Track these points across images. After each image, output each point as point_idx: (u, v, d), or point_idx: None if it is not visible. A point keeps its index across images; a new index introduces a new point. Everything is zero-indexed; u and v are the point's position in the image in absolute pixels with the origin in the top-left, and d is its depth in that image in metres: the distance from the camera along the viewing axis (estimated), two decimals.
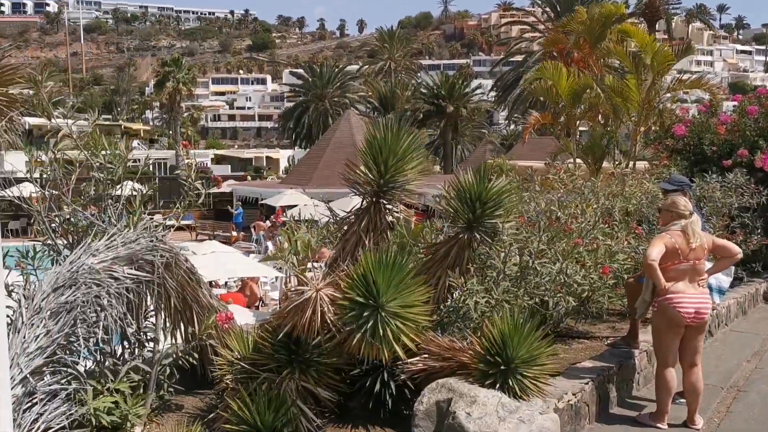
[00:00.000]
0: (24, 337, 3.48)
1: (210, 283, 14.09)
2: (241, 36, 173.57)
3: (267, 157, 73.02)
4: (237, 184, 38.95)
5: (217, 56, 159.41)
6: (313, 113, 59.25)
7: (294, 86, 69.89)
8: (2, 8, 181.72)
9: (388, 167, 5.94)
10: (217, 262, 12.14)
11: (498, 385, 4.65)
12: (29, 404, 3.34)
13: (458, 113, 52.32)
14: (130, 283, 4.06)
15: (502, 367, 4.68)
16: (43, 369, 3.49)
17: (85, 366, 4.30)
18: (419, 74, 78.11)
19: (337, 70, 62.36)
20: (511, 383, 4.65)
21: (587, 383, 5.54)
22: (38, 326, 3.53)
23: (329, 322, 4.42)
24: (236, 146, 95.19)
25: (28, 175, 5.07)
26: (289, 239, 7.22)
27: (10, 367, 3.36)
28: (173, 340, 4.98)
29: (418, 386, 5.06)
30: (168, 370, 4.82)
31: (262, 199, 31.38)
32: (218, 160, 67.38)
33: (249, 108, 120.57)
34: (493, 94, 57.52)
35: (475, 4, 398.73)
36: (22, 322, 3.52)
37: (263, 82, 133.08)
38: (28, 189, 5.17)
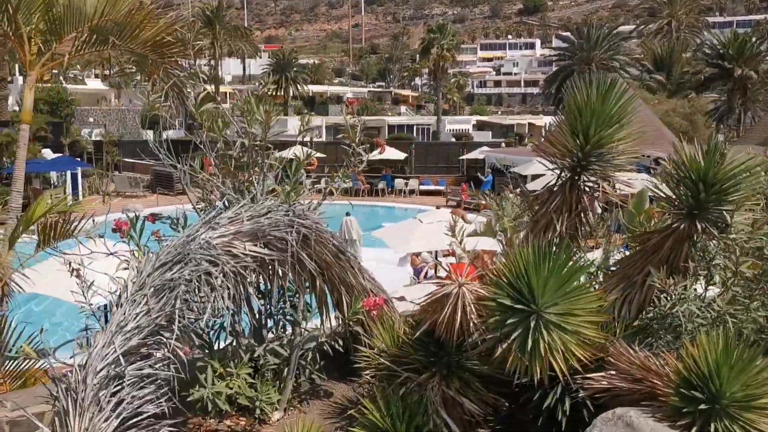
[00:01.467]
0: (124, 314, 3.27)
1: (435, 253, 13.90)
2: (512, 0, 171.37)
3: (529, 124, 71.35)
4: (490, 150, 38.40)
5: (487, 22, 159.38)
6: (578, 78, 56.15)
7: (560, 50, 67.01)
8: None
9: (589, 136, 4.93)
10: (439, 231, 11.78)
11: (695, 429, 3.52)
12: (118, 387, 3.12)
13: (748, 76, 45.87)
14: (251, 262, 3.69)
15: (704, 406, 3.53)
16: (141, 350, 3.26)
17: (215, 345, 4.08)
18: (703, 33, 70.07)
19: (606, 30, 58.22)
20: (714, 429, 3.49)
21: None
22: (140, 303, 3.30)
23: (473, 324, 3.67)
24: (500, 112, 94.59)
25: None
26: (496, 214, 6.55)
27: (105, 345, 3.18)
28: (323, 323, 4.61)
29: (601, 407, 4.10)
30: (310, 355, 4.45)
31: (513, 166, 30.54)
32: (480, 126, 67.37)
33: (515, 74, 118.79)
34: None
35: None
36: (126, 298, 3.32)
37: (531, 46, 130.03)
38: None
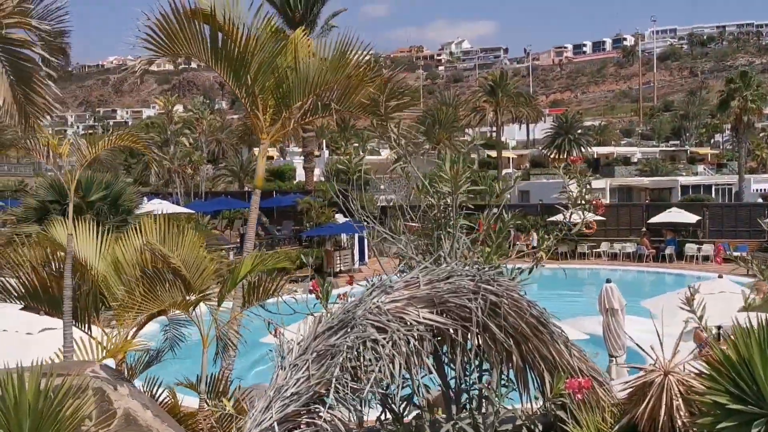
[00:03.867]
0: (285, 378, 3.21)
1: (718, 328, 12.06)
2: None
3: None
4: None
5: None
6: None
7: None
8: (584, 48, 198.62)
9: None
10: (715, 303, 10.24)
11: None
12: None
13: None
14: (423, 330, 3.42)
15: None
16: (297, 419, 3.15)
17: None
18: None
19: None
20: None
21: None
22: (301, 369, 3.21)
23: (681, 422, 2.93)
24: None
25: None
26: None
27: (263, 409, 3.13)
28: (522, 403, 4.11)
29: None
30: None
31: None
32: None
33: None
34: None
35: None
36: (289, 362, 3.27)
37: None
38: None
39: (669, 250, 33.67)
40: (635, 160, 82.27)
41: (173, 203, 36.87)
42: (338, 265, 32.47)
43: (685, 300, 4.24)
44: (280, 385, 3.16)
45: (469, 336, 3.75)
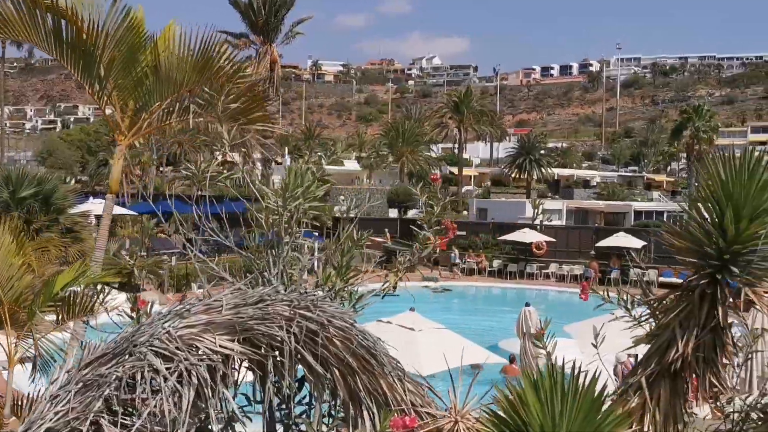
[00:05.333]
0: (42, 411, 2.81)
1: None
2: None
3: None
4: None
5: (761, 103, 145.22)
6: None
7: None
8: (552, 71, 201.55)
9: (740, 230, 3.66)
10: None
11: None
12: None
13: None
14: (217, 359, 3.05)
15: None
16: None
17: None
18: None
19: None
20: None
21: None
22: (62, 400, 2.82)
23: None
24: None
25: None
26: None
27: None
28: None
29: None
30: None
31: None
32: None
33: None
34: None
35: None
36: (51, 393, 2.87)
37: None
38: None
39: (615, 274, 33.89)
40: (594, 183, 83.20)
41: (119, 204, 35.93)
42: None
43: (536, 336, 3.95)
44: (34, 420, 2.76)
45: (287, 366, 3.40)
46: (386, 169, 77.67)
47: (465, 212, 61.46)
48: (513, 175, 75.48)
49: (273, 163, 61.25)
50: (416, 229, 4.64)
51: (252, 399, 3.68)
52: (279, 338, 3.25)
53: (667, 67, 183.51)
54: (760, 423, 3.57)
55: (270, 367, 3.27)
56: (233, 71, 5.64)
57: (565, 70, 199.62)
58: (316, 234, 38.07)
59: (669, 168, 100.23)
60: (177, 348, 2.98)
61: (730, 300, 3.64)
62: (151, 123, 6.03)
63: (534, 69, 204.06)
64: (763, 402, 3.75)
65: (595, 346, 4.01)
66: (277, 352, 3.37)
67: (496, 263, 37.14)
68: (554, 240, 37.42)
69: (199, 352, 3.02)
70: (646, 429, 3.84)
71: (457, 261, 37.48)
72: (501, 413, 2.51)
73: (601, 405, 2.41)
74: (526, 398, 2.38)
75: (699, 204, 3.76)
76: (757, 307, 3.60)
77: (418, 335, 10.13)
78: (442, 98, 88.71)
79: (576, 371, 2.47)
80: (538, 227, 37.94)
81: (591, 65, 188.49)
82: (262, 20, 48.96)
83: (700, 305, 3.74)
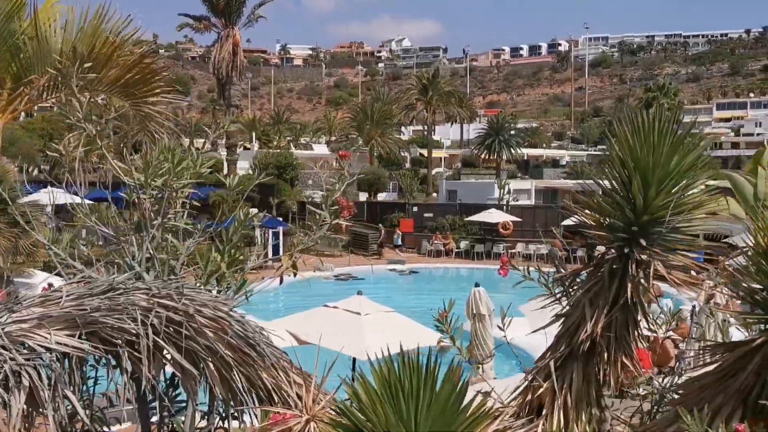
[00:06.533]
0: None
1: None
2: (756, 56, 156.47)
3: None
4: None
5: (726, 80, 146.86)
6: None
7: None
8: (521, 52, 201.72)
9: (648, 198, 3.38)
10: None
11: None
12: None
13: None
14: (51, 357, 2.69)
15: None
16: None
17: None
18: None
19: None
20: None
21: None
22: None
23: None
24: None
25: None
26: None
27: None
28: None
29: None
30: None
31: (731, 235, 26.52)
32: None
33: (758, 134, 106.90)
34: None
35: None
36: None
37: None
38: None
39: (580, 252, 33.95)
40: (564, 162, 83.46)
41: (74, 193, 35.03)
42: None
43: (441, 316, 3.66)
44: None
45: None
46: (355, 152, 77.24)
47: (434, 194, 61.34)
48: (483, 156, 75.36)
49: (240, 148, 60.43)
50: (313, 208, 4.31)
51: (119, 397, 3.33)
52: (134, 331, 2.90)
53: (635, 46, 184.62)
54: (670, 406, 3.31)
55: (125, 363, 2.91)
56: (121, 42, 5.21)
57: (534, 50, 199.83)
58: (280, 219, 37.58)
59: None
60: (2, 346, 2.62)
61: (638, 270, 3.37)
62: (32, 98, 5.61)
63: (503, 50, 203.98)
64: (679, 383, 3.50)
65: (501, 329, 3.72)
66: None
67: (463, 244, 37.00)
68: (520, 220, 37.37)
69: (33, 350, 2.66)
70: (555, 415, 3.58)
71: (399, 243, 37.59)
72: (346, 411, 2.20)
73: (458, 401, 2.11)
74: (371, 396, 2.07)
75: (608, 172, 3.48)
76: (668, 282, 3.34)
77: (364, 319, 9.83)
78: (412, 80, 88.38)
79: (434, 364, 2.16)
80: (504, 207, 37.86)
81: (560, 45, 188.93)
82: (223, 2, 47.94)
83: (609, 281, 3.47)
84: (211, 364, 3.22)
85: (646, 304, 3.56)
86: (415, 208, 42.63)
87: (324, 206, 4.30)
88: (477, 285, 12.68)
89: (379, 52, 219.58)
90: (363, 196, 56.75)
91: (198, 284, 3.49)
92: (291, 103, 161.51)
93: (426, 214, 41.51)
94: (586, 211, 3.58)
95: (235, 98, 50.44)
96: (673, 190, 3.31)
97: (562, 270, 3.81)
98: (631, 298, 3.34)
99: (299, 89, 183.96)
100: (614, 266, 3.44)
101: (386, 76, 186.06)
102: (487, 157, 73.83)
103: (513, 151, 72.53)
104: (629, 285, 3.36)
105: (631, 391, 3.82)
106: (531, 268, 4.22)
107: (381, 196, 57.21)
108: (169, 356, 3.10)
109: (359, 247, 37.42)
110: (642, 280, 3.43)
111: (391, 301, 18.37)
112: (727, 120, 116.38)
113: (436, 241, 37.51)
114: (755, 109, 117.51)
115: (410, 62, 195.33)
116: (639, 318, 3.56)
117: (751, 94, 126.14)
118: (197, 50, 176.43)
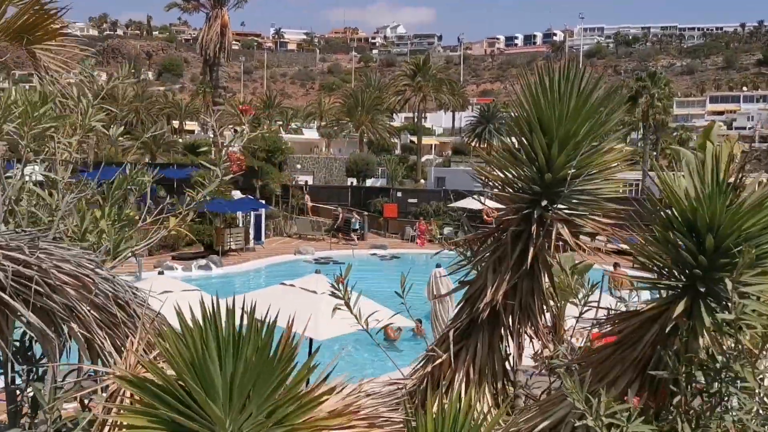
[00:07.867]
0: None
1: None
2: (750, 50, 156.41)
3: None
4: None
5: (720, 73, 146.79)
6: None
7: None
8: (516, 41, 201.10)
9: (551, 157, 3.17)
10: None
11: None
12: None
13: None
14: None
15: None
16: None
17: None
18: None
19: None
20: None
21: None
22: None
23: None
24: None
25: None
26: None
27: None
28: None
29: None
30: None
31: None
32: None
33: (750, 128, 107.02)
34: None
35: None
36: None
37: None
38: None
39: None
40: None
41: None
42: (228, 244, 31.11)
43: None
44: None
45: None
46: (345, 137, 76.84)
47: (423, 181, 61.12)
48: (473, 144, 75.16)
49: (230, 131, 59.92)
50: (206, 164, 4.07)
51: None
52: None
53: (630, 37, 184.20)
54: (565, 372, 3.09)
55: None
56: None
57: (529, 39, 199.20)
58: (263, 201, 37.17)
59: (629, 138, 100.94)
60: None
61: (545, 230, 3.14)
62: None
63: (498, 39, 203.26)
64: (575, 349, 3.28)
65: (400, 295, 3.49)
66: None
67: (446, 230, 36.81)
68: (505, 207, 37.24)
69: None
70: (456, 388, 3.35)
71: (357, 227, 37.26)
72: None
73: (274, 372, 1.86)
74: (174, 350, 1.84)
75: (512, 128, 3.24)
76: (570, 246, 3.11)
77: (320, 299, 9.57)
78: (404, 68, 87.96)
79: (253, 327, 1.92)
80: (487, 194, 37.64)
81: (555, 35, 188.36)
82: None
83: (513, 246, 3.24)
84: (74, 325, 2.97)
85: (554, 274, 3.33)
86: (399, 194, 42.43)
87: (218, 162, 4.07)
88: (438, 266, 12.46)
89: (373, 38, 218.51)
90: (352, 181, 56.49)
91: (71, 241, 3.24)
92: (284, 87, 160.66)
93: (410, 200, 41.31)
94: (494, 172, 3.35)
95: (222, 80, 49.97)
96: (580, 151, 3.08)
97: (469, 232, 3.58)
98: (528, 262, 3.11)
99: (293, 74, 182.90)
100: (518, 228, 3.21)
101: (380, 62, 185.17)
102: (477, 145, 73.64)
103: (503, 139, 72.27)
104: (531, 248, 3.12)
105: (543, 366, 3.61)
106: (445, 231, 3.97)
107: (369, 182, 56.91)
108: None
109: (343, 231, 37.17)
110: (548, 246, 3.20)
111: (364, 282, 18.13)
112: (720, 113, 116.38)
113: (413, 229, 37.29)
114: (748, 103, 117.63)
115: (404, 49, 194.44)
116: (547, 286, 3.34)
117: (744, 88, 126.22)
118: (191, 32, 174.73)
